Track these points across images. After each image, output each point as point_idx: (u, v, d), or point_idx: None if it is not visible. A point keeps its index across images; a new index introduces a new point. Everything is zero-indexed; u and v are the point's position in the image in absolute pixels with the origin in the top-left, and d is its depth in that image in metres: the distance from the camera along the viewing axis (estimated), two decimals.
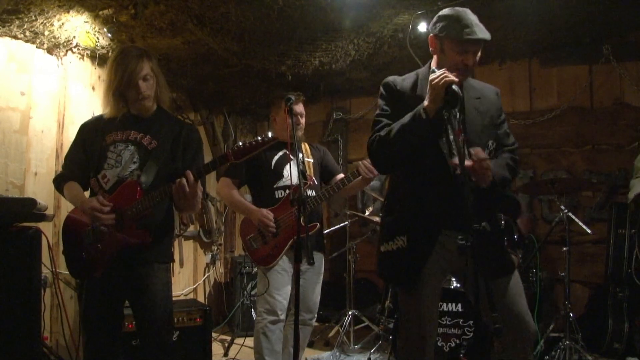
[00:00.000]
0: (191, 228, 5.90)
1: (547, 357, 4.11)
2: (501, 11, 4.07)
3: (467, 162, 2.18)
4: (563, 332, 4.06)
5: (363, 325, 5.19)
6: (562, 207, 4.25)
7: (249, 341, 4.31)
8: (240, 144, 2.56)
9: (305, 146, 3.74)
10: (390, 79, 2.58)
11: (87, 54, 4.48)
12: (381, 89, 2.59)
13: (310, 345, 4.85)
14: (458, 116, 2.31)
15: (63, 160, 2.97)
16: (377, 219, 5.23)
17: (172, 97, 5.45)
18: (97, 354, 2.71)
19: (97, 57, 4.53)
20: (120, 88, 2.68)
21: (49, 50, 4.25)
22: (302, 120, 3.66)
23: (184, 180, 2.49)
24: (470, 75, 2.54)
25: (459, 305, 3.96)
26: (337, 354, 4.74)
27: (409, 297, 2.44)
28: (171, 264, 2.86)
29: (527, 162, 5.34)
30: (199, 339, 4.29)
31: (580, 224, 4.32)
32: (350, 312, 4.99)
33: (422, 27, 4.21)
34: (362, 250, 5.61)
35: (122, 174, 2.70)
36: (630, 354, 4.23)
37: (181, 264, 5.76)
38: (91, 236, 2.63)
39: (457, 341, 3.94)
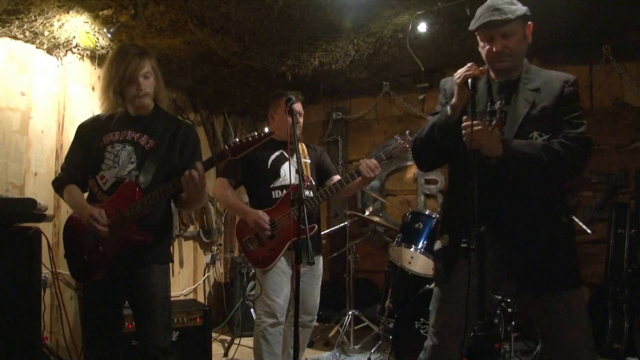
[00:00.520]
0: (191, 228, 5.89)
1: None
2: None
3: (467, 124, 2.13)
4: None
5: (363, 325, 5.18)
6: None
7: (249, 341, 4.31)
8: (237, 140, 2.55)
9: (302, 147, 3.69)
10: (442, 80, 2.57)
11: (87, 54, 4.48)
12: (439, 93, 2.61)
13: (310, 345, 4.85)
14: (502, 107, 2.26)
15: (62, 162, 2.97)
16: (377, 219, 5.24)
17: (172, 97, 5.47)
18: (98, 355, 2.71)
19: (97, 58, 4.53)
20: (121, 84, 2.68)
21: (49, 51, 4.25)
22: (301, 119, 3.64)
23: (194, 171, 2.51)
24: (527, 57, 2.44)
25: None
26: (337, 354, 4.74)
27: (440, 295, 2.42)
28: (170, 264, 2.86)
29: None
30: (199, 339, 4.29)
31: (580, 224, 4.32)
32: (350, 312, 4.98)
33: (422, 27, 4.21)
34: (362, 251, 5.61)
35: (120, 174, 2.70)
36: (631, 354, 4.23)
37: (181, 264, 5.75)
38: (92, 238, 2.63)
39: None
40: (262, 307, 3.39)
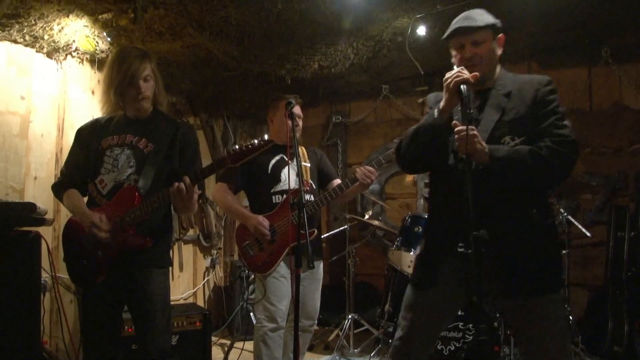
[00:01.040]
0: (191, 232, 5.89)
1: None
2: (500, 13, 4.06)
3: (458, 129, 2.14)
4: None
5: (363, 329, 5.18)
6: (562, 210, 4.27)
7: (249, 345, 4.30)
8: (237, 147, 2.54)
9: (302, 150, 3.70)
10: (430, 94, 2.64)
11: (86, 58, 4.49)
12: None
13: (310, 349, 4.85)
14: (473, 113, 2.22)
15: (62, 166, 2.97)
16: (376, 222, 5.24)
17: (172, 101, 5.47)
18: (97, 359, 2.70)
19: (96, 61, 4.53)
20: (122, 86, 2.68)
21: (49, 55, 4.25)
22: (300, 123, 3.64)
23: (181, 184, 2.50)
24: (500, 65, 2.46)
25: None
26: (337, 357, 4.73)
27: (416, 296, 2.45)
28: (170, 268, 2.86)
29: None
30: (199, 343, 4.29)
31: (580, 226, 4.33)
32: (350, 316, 4.98)
33: (421, 30, 4.21)
34: (361, 254, 5.61)
35: (119, 178, 2.70)
36: (631, 357, 4.23)
37: (181, 268, 5.75)
38: (91, 242, 2.63)
39: (457, 344, 3.94)
40: (262, 312, 3.38)
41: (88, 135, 2.83)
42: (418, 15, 4.08)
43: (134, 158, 2.72)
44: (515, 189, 2.24)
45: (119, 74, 2.66)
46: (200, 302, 5.98)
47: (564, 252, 4.19)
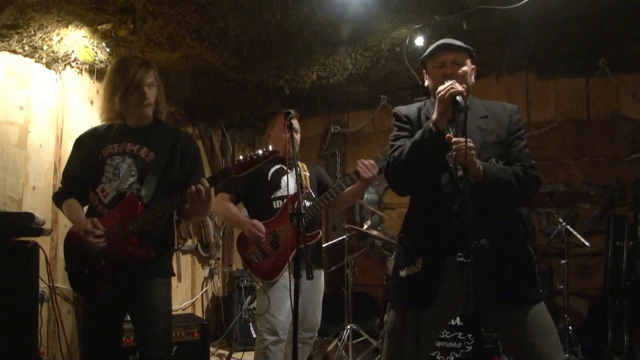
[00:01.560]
0: (189, 242, 5.88)
1: None
2: (498, 24, 4.11)
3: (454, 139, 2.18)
4: (562, 344, 4.04)
5: (362, 339, 5.15)
6: (560, 220, 4.26)
7: (247, 356, 4.29)
8: (241, 157, 2.56)
9: (300, 163, 3.70)
10: (396, 109, 2.64)
11: (85, 68, 4.50)
12: (392, 120, 2.64)
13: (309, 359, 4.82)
14: (458, 133, 2.27)
15: (61, 176, 2.96)
16: (375, 232, 5.23)
17: (170, 111, 5.48)
18: None
19: (95, 72, 4.55)
20: (127, 92, 2.67)
21: (48, 65, 4.27)
22: (297, 137, 3.64)
23: (200, 187, 2.52)
24: (470, 93, 2.51)
25: (458, 318, 3.95)
26: None
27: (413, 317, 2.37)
28: (172, 278, 2.85)
29: None
30: (197, 354, 4.27)
31: (579, 236, 4.33)
32: (348, 326, 4.96)
33: (419, 41, 4.23)
34: (360, 264, 5.60)
35: (121, 187, 2.69)
36: None
37: (179, 278, 5.73)
38: (93, 251, 2.62)
39: (457, 355, 3.92)
40: (263, 324, 3.33)
41: (88, 144, 2.82)
42: (416, 26, 4.10)
43: (136, 167, 2.71)
44: (501, 204, 2.35)
45: (124, 79, 2.65)
46: (199, 313, 5.96)
47: (563, 261, 4.18)
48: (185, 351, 4.21)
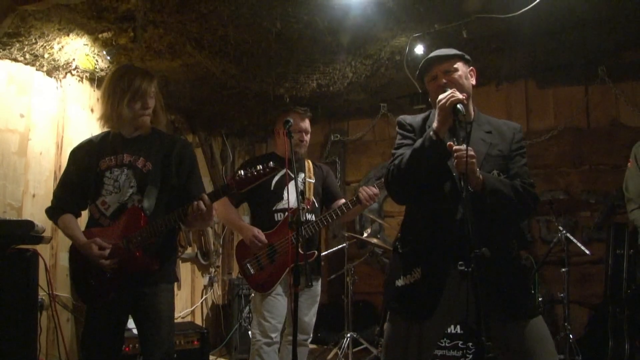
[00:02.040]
0: (189, 250, 5.87)
1: None
2: (497, 33, 4.12)
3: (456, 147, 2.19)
4: (563, 353, 4.04)
5: (362, 347, 5.14)
6: (560, 228, 4.26)
7: None
8: (242, 173, 2.57)
9: (308, 164, 3.69)
10: (400, 117, 2.64)
11: (86, 76, 4.51)
12: (396, 128, 2.63)
13: None
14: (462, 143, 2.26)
15: (55, 188, 2.93)
16: (375, 240, 5.23)
17: (170, 119, 5.49)
18: None
19: (96, 80, 4.56)
20: (132, 100, 2.66)
21: (49, 73, 4.28)
22: (307, 137, 3.63)
23: (201, 203, 2.54)
24: (467, 102, 2.49)
25: (458, 327, 3.94)
26: None
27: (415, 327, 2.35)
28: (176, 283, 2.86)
29: None
30: None
31: (579, 244, 4.32)
32: (348, 335, 4.95)
33: (419, 49, 4.24)
34: (360, 272, 5.59)
35: (122, 199, 2.69)
36: None
37: (179, 286, 5.72)
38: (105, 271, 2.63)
39: None
40: (256, 327, 3.38)
41: (84, 156, 2.81)
42: (415, 34, 4.11)
43: (134, 178, 2.71)
44: (498, 218, 2.34)
45: (130, 86, 2.65)
46: (198, 321, 5.94)
47: (563, 269, 4.18)
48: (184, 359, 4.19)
